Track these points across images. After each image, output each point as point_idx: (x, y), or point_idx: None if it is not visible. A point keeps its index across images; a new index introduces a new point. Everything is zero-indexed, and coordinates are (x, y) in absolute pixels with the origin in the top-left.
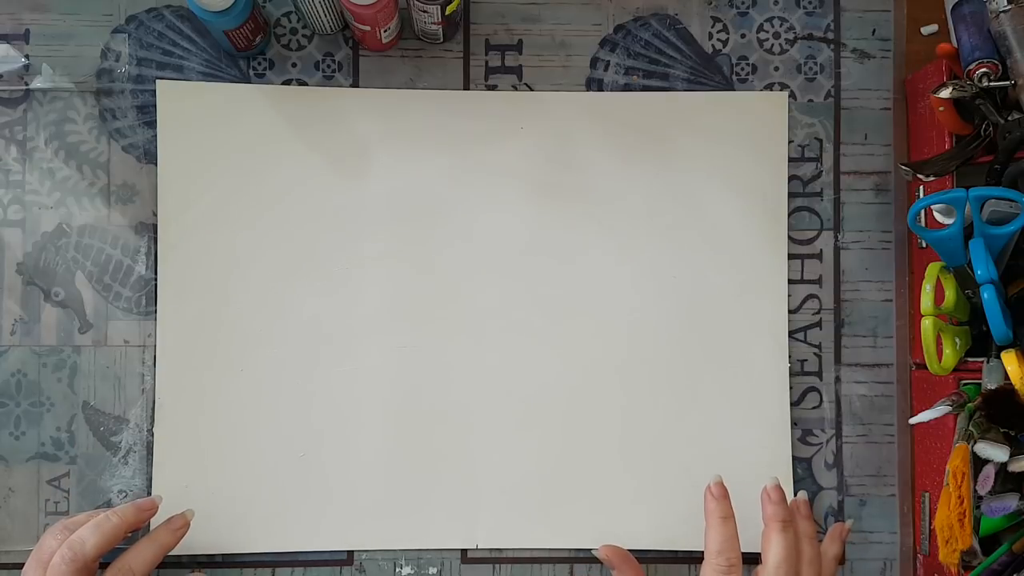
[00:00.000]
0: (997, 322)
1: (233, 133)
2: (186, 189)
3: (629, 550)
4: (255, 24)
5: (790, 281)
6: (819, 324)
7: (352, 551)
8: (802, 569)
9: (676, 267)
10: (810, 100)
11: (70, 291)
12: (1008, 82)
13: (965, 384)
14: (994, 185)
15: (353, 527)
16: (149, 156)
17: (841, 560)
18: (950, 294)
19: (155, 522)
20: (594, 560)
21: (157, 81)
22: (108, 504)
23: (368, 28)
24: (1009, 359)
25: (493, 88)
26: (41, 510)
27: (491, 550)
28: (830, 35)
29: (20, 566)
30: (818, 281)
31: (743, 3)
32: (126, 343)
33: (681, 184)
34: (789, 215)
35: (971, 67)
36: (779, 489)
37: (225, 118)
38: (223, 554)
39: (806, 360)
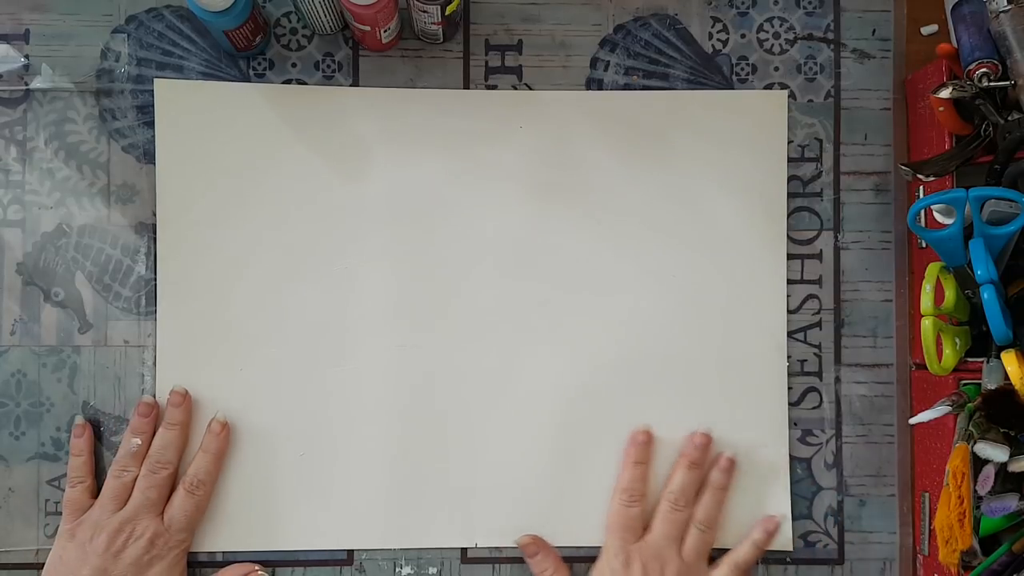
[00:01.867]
0: (997, 322)
1: (233, 133)
2: (186, 189)
3: None
4: (255, 24)
5: (790, 281)
6: (819, 324)
7: (352, 551)
8: (696, 511)
9: (676, 267)
10: (810, 100)
11: (70, 291)
12: (1008, 82)
13: (965, 384)
14: (994, 185)
15: (353, 527)
16: (149, 156)
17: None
18: (950, 294)
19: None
20: (594, 560)
21: (156, 80)
22: None
23: (368, 28)
24: (1009, 359)
25: (493, 88)
26: (41, 510)
27: (491, 549)
28: (830, 35)
29: (20, 566)
30: (818, 281)
31: (743, 3)
32: (126, 343)
33: (681, 184)
34: (789, 215)
35: (971, 67)
36: (706, 436)
37: (225, 118)
38: (223, 552)
39: (806, 360)
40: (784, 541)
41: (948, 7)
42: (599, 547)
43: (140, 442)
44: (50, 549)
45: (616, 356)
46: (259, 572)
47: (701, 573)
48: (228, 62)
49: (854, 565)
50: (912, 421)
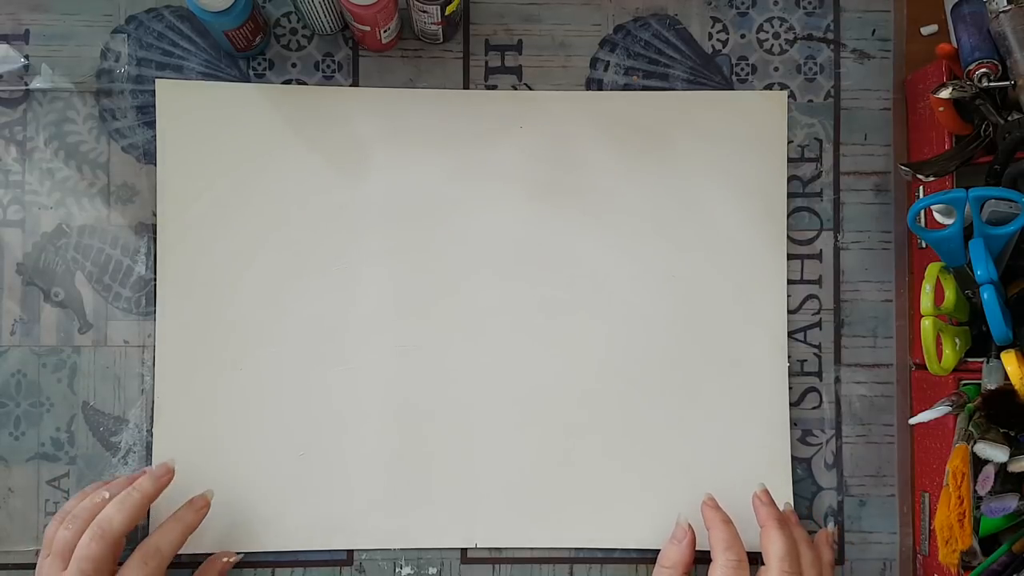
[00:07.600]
0: (997, 322)
1: (233, 133)
2: (186, 189)
3: (628, 550)
4: (255, 24)
5: (790, 281)
6: (819, 324)
7: (352, 551)
8: (804, 570)
9: (676, 267)
10: (810, 100)
11: (70, 291)
12: (1008, 82)
13: (965, 384)
14: (994, 185)
15: (353, 527)
16: (149, 156)
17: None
18: (950, 294)
19: (173, 502)
20: (594, 560)
21: (156, 80)
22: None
23: (368, 28)
24: (1009, 359)
25: (493, 88)
26: (41, 510)
27: (491, 550)
28: (830, 35)
29: (20, 566)
30: (818, 281)
31: (743, 3)
32: (126, 343)
33: (681, 184)
34: (789, 215)
35: (971, 67)
36: (767, 493)
37: (225, 118)
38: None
39: (806, 360)
40: None
41: (948, 7)
42: (599, 548)
43: (108, 495)
44: None
45: (616, 356)
46: (232, 558)
47: None
48: (228, 62)
49: (854, 565)
50: (912, 421)
